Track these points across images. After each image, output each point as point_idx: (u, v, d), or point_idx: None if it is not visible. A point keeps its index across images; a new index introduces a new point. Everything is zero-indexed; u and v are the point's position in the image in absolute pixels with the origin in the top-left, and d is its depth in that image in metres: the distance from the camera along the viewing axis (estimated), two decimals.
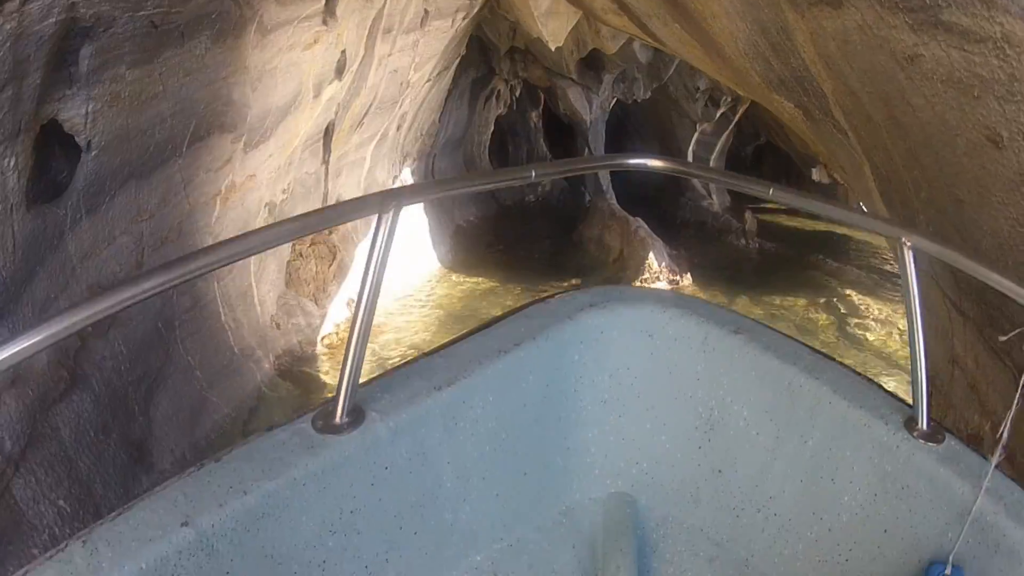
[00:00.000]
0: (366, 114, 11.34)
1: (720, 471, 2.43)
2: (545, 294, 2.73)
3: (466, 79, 18.37)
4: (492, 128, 22.38)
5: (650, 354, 2.52)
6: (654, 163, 2.72)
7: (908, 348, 2.15)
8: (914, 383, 2.10)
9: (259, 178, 8.22)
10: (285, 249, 9.55)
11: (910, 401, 2.14)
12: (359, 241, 12.00)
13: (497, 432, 2.25)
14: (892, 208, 4.63)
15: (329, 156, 10.56)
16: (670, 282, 15.08)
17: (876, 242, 20.21)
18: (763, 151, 26.25)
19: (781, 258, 18.61)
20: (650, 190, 22.90)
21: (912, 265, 2.07)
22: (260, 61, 7.22)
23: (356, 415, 1.92)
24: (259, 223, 8.65)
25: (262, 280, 8.72)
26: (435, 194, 3.00)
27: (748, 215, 19.95)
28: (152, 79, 5.56)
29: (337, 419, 1.88)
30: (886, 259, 18.80)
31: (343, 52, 8.98)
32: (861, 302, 15.38)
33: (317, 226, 1.99)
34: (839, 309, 15.05)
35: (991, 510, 1.90)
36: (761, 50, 5.02)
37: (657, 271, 15.05)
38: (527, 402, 2.34)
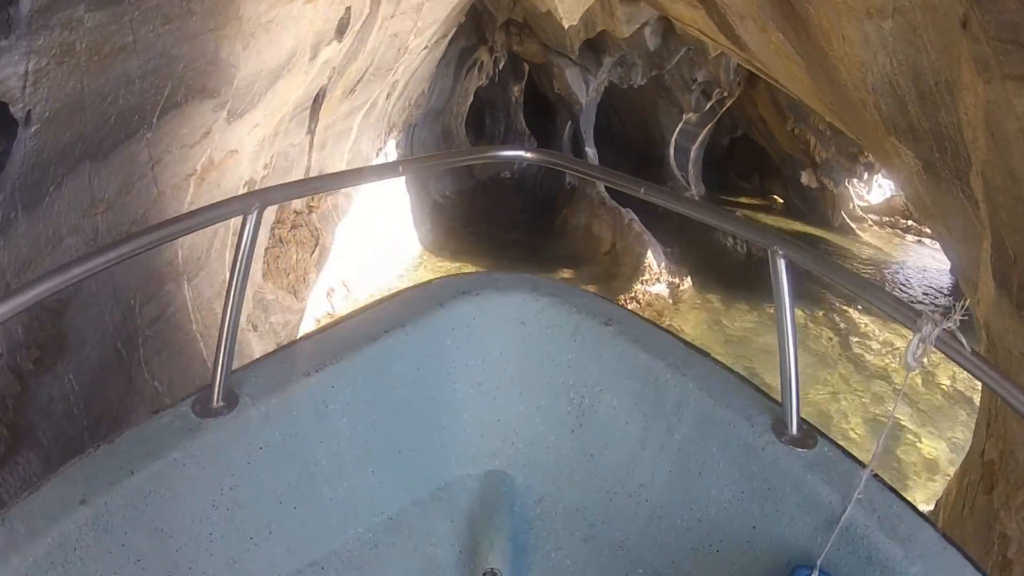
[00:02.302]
0: (360, 80, 10.00)
1: (592, 455, 2.48)
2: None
3: (455, 48, 17.05)
4: (471, 100, 21.15)
5: (522, 341, 2.59)
6: (529, 155, 2.82)
7: (780, 345, 2.11)
8: (783, 386, 2.11)
9: (241, 153, 6.84)
10: (263, 236, 8.14)
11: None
12: (340, 220, 10.69)
13: (369, 414, 2.33)
14: (1006, 288, 4.45)
15: (316, 126, 9.18)
16: (670, 285, 14.01)
17: (861, 253, 19.79)
18: (737, 143, 26.50)
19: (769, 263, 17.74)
20: (628, 173, 21.99)
21: (784, 273, 2.09)
22: (256, 12, 5.88)
23: (231, 399, 2.06)
24: None
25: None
26: (297, 195, 2.89)
27: (738, 216, 19.06)
28: (120, 26, 4.22)
29: (214, 403, 2.04)
30: (877, 269, 18.34)
31: (348, 9, 7.62)
32: (860, 319, 14.84)
33: (178, 233, 2.04)
34: (839, 325, 14.55)
35: (863, 521, 1.89)
36: (900, 92, 4.74)
37: (657, 272, 14.02)
38: (398, 386, 2.42)
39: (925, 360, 1.76)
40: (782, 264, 2.09)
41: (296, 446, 2.16)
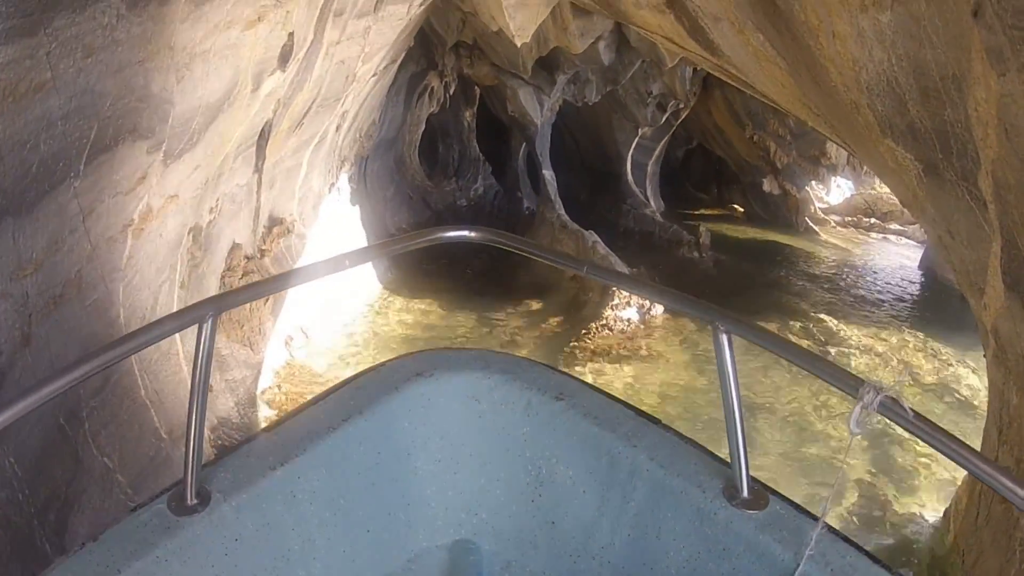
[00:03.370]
0: (307, 112, 9.49)
1: (553, 522, 2.55)
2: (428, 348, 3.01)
3: (404, 74, 16.61)
4: (423, 127, 20.73)
5: (478, 417, 2.68)
6: (473, 235, 2.88)
7: (726, 416, 2.18)
8: (732, 451, 2.18)
9: (182, 198, 6.29)
10: (213, 286, 7.59)
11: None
12: (294, 262, 10.15)
13: (335, 499, 2.42)
14: (1017, 291, 4.47)
15: (263, 164, 8.65)
16: (639, 308, 13.58)
17: (828, 255, 19.72)
18: (692, 155, 26.47)
19: (741, 275, 17.76)
20: (585, 194, 21.98)
21: (727, 346, 2.15)
22: (190, 40, 5.39)
23: (203, 496, 2.15)
24: (182, 254, 6.76)
25: (188, 333, 6.71)
26: (251, 298, 2.98)
27: (703, 229, 19.09)
28: (35, 61, 3.72)
29: (187, 501, 2.12)
30: (841, 275, 18.28)
31: (290, 35, 7.12)
32: (838, 328, 14.64)
33: (132, 350, 2.12)
34: (817, 336, 14.30)
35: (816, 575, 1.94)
36: (899, 90, 4.56)
37: (627, 297, 13.52)
38: (360, 470, 2.50)
39: (868, 425, 1.82)
40: (724, 338, 2.17)
41: (269, 535, 2.24)
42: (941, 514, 7.83)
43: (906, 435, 10.06)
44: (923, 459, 9.39)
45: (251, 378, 8.18)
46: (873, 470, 9.28)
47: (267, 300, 8.70)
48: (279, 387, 9.06)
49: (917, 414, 1.77)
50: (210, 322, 2.12)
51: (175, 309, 6.55)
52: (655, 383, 11.63)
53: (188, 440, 2.13)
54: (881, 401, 1.78)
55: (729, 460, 2.21)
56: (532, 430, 2.61)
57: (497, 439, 2.66)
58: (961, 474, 8.88)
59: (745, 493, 2.17)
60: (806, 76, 5.79)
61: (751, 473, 2.20)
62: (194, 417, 2.15)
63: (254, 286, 3.28)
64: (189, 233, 6.85)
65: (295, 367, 9.86)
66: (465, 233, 2.88)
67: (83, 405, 5.02)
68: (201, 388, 2.14)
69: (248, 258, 8.44)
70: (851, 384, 1.86)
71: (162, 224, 6.03)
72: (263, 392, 8.63)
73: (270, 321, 8.93)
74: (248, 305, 8.35)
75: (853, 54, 4.74)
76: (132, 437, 5.80)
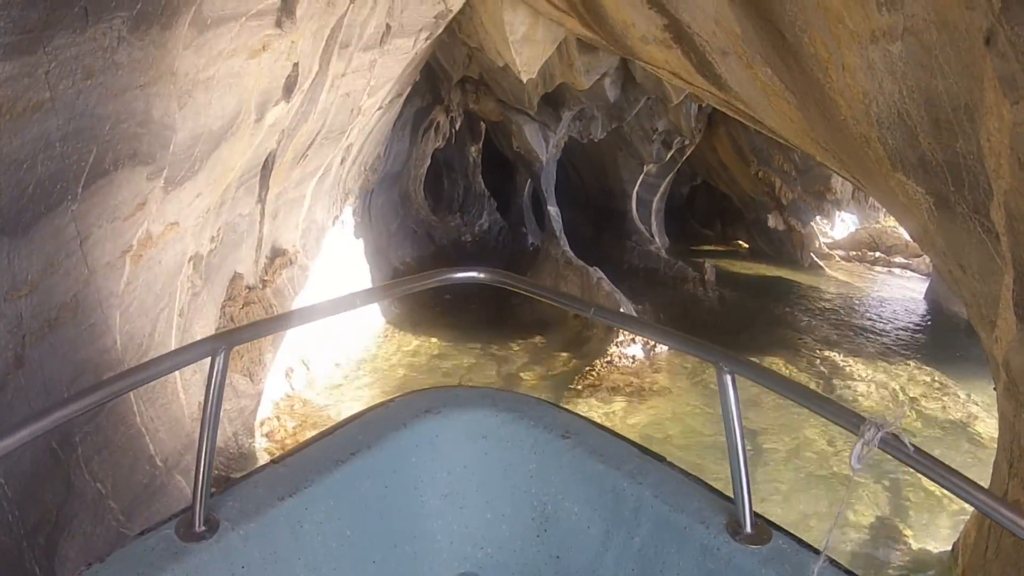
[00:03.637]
0: (311, 144, 9.45)
1: (558, 557, 2.59)
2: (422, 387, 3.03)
3: (410, 109, 16.63)
4: (429, 162, 20.78)
5: (484, 454, 2.72)
6: (482, 276, 2.89)
7: (730, 453, 2.22)
8: (735, 487, 2.21)
9: (183, 226, 6.22)
10: (212, 315, 7.48)
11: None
12: (296, 294, 10.06)
13: (342, 531, 2.43)
14: None
15: (266, 194, 8.60)
16: (644, 345, 13.44)
17: (827, 289, 19.65)
18: (697, 191, 26.70)
19: (745, 311, 17.67)
20: (589, 230, 21.95)
21: (731, 386, 2.18)
22: (193, 67, 5.34)
23: (211, 523, 2.17)
24: (182, 282, 6.68)
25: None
26: (264, 333, 2.88)
27: (708, 266, 18.97)
28: (34, 80, 3.67)
29: (196, 527, 2.14)
30: (847, 310, 18.18)
31: (295, 66, 7.10)
32: (844, 362, 14.52)
33: (142, 381, 2.17)
34: (822, 370, 14.19)
35: None
36: (910, 122, 4.53)
37: (631, 335, 13.38)
38: (368, 503, 2.53)
39: (870, 461, 1.84)
40: (728, 378, 2.19)
41: (276, 564, 2.26)
42: (949, 548, 7.69)
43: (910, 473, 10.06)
44: (929, 491, 9.27)
45: (250, 408, 8.06)
46: (879, 503, 9.15)
47: None
48: (278, 419, 8.95)
49: (918, 449, 1.79)
50: (222, 356, 2.16)
51: (173, 337, 6.46)
52: (660, 419, 11.50)
53: (198, 467, 2.16)
54: (882, 437, 1.81)
55: (733, 496, 2.24)
56: (538, 467, 2.66)
57: (503, 475, 2.70)
58: (969, 508, 8.77)
59: (748, 528, 2.20)
60: (815, 110, 5.73)
61: (754, 509, 2.23)
62: (204, 445, 2.17)
63: (265, 322, 3.29)
64: (189, 261, 6.78)
65: (295, 399, 9.74)
66: (474, 274, 2.89)
67: (77, 430, 4.95)
68: (212, 419, 2.17)
69: (249, 288, 8.37)
70: (853, 421, 1.88)
71: (162, 251, 5.96)
72: (262, 423, 8.51)
73: (271, 352, 8.83)
74: None
75: (863, 86, 4.69)
76: (126, 464, 5.69)
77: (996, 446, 6.14)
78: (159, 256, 5.94)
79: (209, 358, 2.16)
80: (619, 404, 11.79)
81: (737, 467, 2.22)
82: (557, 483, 2.62)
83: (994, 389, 5.69)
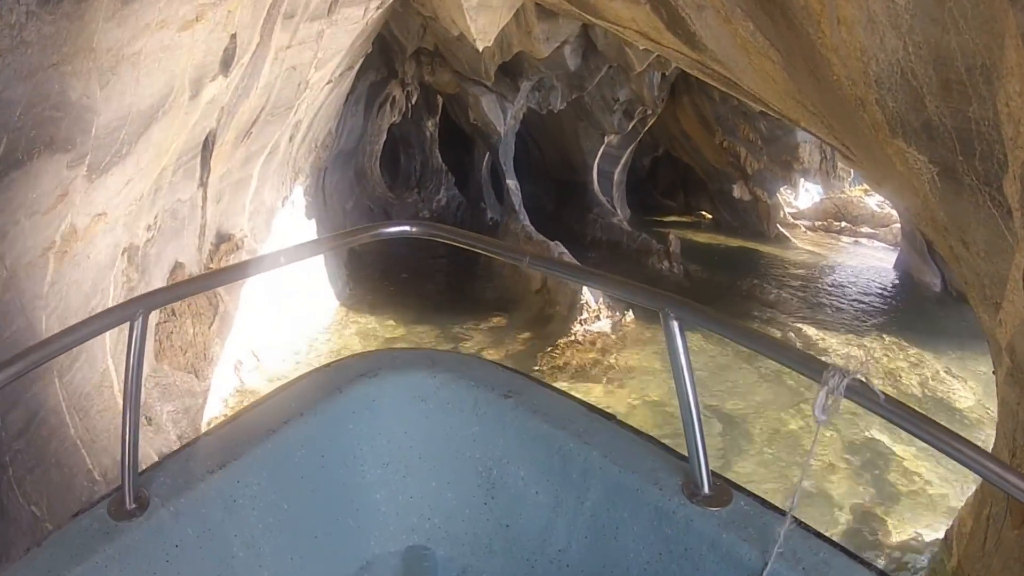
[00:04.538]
0: (255, 122, 8.92)
1: (508, 525, 2.50)
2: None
3: (364, 83, 16.06)
4: (384, 137, 20.25)
5: (425, 418, 2.62)
6: (414, 230, 2.79)
7: (681, 409, 2.09)
8: (690, 446, 2.10)
9: (112, 216, 5.71)
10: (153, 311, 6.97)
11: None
12: (244, 282, 9.54)
13: (279, 504, 2.34)
14: None
15: (208, 177, 8.07)
16: (611, 320, 13.08)
17: (795, 260, 19.53)
18: (659, 162, 26.31)
19: (712, 285, 17.49)
20: (550, 204, 21.65)
21: (678, 333, 2.08)
22: (116, 41, 4.84)
23: (142, 500, 2.09)
24: (116, 277, 6.17)
25: (122, 366, 6.14)
26: (183, 295, 2.83)
27: (673, 238, 18.73)
28: None
29: (126, 505, 2.07)
30: (816, 281, 18.22)
31: (232, 37, 6.58)
32: (818, 336, 14.35)
33: (58, 351, 2.04)
34: (797, 345, 13.84)
35: (787, 575, 1.86)
36: (915, 83, 4.13)
37: (596, 309, 13.06)
38: (304, 474, 2.43)
39: (836, 413, 1.70)
40: (675, 325, 2.08)
41: (210, 541, 2.18)
42: (940, 535, 7.46)
43: (897, 451, 9.85)
44: (916, 477, 9.06)
45: (196, 407, 7.59)
46: (864, 488, 8.94)
47: (212, 323, 8.10)
48: (227, 415, 8.46)
49: (889, 397, 1.63)
50: (140, 320, 2.06)
51: (108, 336, 6.00)
52: (630, 398, 11.19)
53: (124, 443, 2.07)
54: (848, 385, 1.66)
55: (688, 456, 2.12)
56: (481, 430, 2.57)
57: (446, 440, 2.62)
58: (957, 494, 8.56)
59: (706, 490, 2.10)
60: (802, 69, 5.40)
61: (712, 468, 2.13)
62: (128, 419, 2.09)
63: (186, 283, 3.16)
64: (123, 254, 6.28)
65: (246, 393, 9.23)
66: (406, 228, 2.77)
67: (5, 449, 4.59)
68: (134, 389, 2.09)
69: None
70: (815, 368, 1.74)
71: (90, 245, 5.47)
72: (210, 423, 8.03)
73: (217, 345, 8.34)
74: (192, 329, 7.76)
75: (861, 42, 4.33)
76: (62, 481, 5.31)
77: (990, 432, 5.87)
78: (87, 251, 5.44)
79: (128, 323, 2.05)
80: (584, 385, 11.44)
81: (691, 423, 2.09)
82: (501, 446, 2.53)
83: (993, 373, 5.39)
